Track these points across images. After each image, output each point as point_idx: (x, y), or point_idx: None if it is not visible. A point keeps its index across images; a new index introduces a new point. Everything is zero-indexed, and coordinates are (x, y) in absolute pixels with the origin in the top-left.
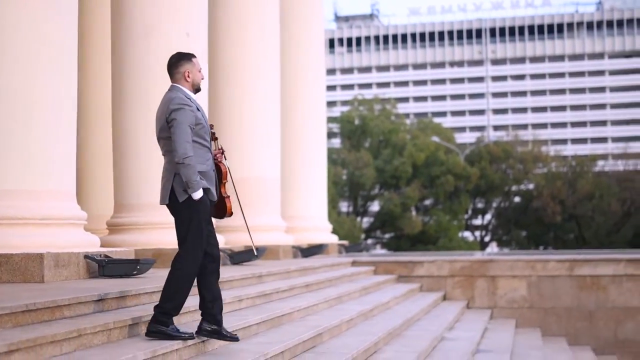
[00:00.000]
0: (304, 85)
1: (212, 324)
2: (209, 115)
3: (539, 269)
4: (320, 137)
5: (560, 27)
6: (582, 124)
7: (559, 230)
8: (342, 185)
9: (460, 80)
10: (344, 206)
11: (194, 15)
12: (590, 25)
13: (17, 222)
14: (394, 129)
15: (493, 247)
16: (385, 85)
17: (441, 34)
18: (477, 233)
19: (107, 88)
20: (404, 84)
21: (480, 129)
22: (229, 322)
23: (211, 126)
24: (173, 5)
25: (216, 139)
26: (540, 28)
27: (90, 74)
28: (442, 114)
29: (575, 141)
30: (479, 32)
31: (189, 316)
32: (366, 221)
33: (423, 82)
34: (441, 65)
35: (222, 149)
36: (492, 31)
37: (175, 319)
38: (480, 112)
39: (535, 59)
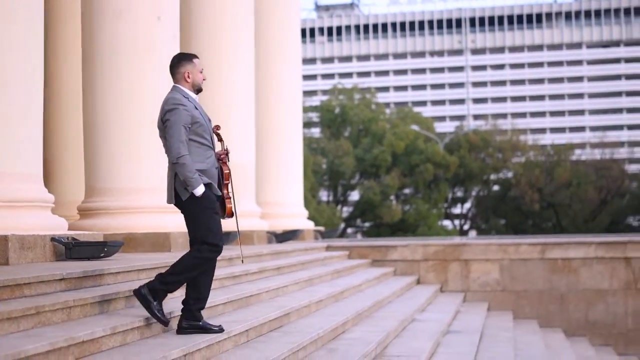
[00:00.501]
0: (280, 70)
1: (191, 320)
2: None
3: (511, 253)
4: (296, 123)
5: (539, 17)
6: (560, 113)
7: (537, 218)
8: (322, 174)
9: (440, 70)
10: (324, 195)
11: None
12: (568, 16)
13: None
14: (373, 117)
15: (472, 236)
16: (366, 74)
17: (421, 23)
18: (457, 222)
19: (77, 72)
20: (385, 73)
21: (460, 118)
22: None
23: (217, 127)
24: None
25: (221, 140)
26: (520, 18)
27: (60, 58)
28: (422, 103)
29: (554, 130)
30: (458, 22)
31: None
32: (346, 210)
33: (403, 72)
34: (421, 54)
35: (227, 150)
36: (472, 21)
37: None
38: (460, 101)
39: (514, 49)
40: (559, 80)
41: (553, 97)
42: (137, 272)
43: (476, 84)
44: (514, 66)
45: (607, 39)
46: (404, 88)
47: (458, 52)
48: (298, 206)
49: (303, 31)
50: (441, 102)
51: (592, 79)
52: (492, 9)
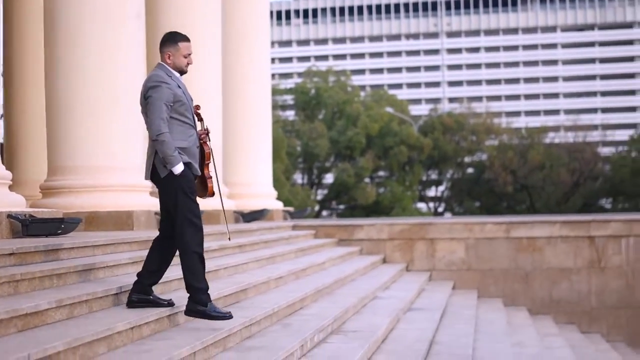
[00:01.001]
0: (248, 50)
1: (140, 293)
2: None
3: (476, 232)
4: (265, 104)
5: (514, 0)
6: (535, 96)
7: (511, 200)
8: (297, 157)
9: (415, 53)
10: (299, 178)
11: None
12: None
13: None
14: (348, 100)
15: (447, 217)
16: (342, 57)
17: (397, 6)
18: (432, 204)
19: (39, 52)
20: (360, 56)
21: (436, 101)
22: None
23: (197, 107)
24: None
25: (201, 120)
26: (495, 1)
27: (24, 38)
28: (398, 85)
29: (529, 113)
30: (434, 5)
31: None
32: (321, 193)
33: (379, 54)
34: (397, 37)
35: (207, 129)
36: (448, 4)
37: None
38: (436, 84)
39: (489, 32)
40: (534, 63)
41: (528, 80)
42: (93, 247)
43: (451, 67)
44: (489, 49)
45: (581, 22)
46: (379, 71)
47: (434, 35)
48: (267, 186)
49: (279, 13)
50: (417, 85)
51: (566, 62)
52: None
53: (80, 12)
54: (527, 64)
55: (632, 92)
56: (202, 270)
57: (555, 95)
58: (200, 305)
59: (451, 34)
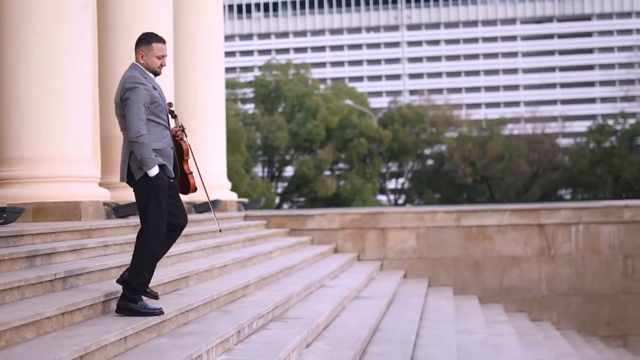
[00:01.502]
0: (201, 38)
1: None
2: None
3: (427, 221)
4: (218, 93)
5: None
6: (495, 88)
7: (471, 192)
8: (257, 149)
9: (376, 46)
10: (260, 171)
11: None
12: None
13: None
14: (307, 92)
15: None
16: (303, 50)
17: None
18: (392, 197)
19: None
20: (321, 49)
21: (397, 93)
22: (89, 266)
23: (170, 104)
24: None
25: (175, 116)
26: None
27: None
28: (359, 78)
29: (489, 105)
30: None
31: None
32: (282, 186)
33: (340, 47)
34: (357, 30)
35: (182, 126)
36: None
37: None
38: (396, 76)
39: (449, 25)
40: (494, 55)
41: (488, 72)
42: (32, 236)
43: (412, 60)
44: (449, 42)
45: (540, 14)
46: (340, 64)
47: (394, 27)
48: (221, 177)
49: (239, 7)
50: (377, 78)
51: (526, 54)
52: None
53: (25, 1)
54: (487, 56)
55: (591, 84)
56: (149, 275)
57: (515, 87)
58: (131, 303)
59: (411, 27)
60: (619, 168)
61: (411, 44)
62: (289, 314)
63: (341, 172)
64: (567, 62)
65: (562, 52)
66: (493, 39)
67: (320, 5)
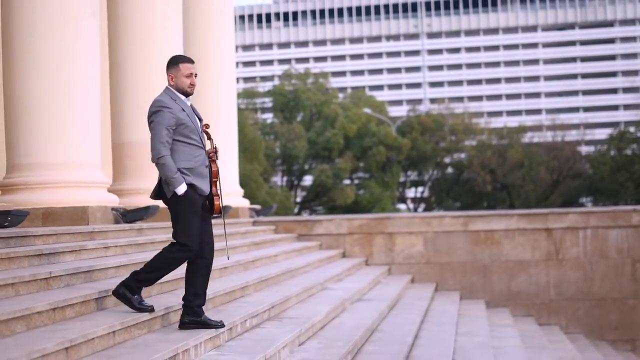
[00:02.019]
0: (212, 46)
1: (191, 315)
2: (113, 78)
3: (434, 225)
4: (230, 97)
5: (494, 0)
6: (516, 96)
7: (491, 200)
8: (275, 158)
9: (396, 54)
10: (278, 180)
11: None
12: None
13: None
14: (326, 101)
15: None
16: (322, 59)
17: (377, 7)
18: (412, 205)
19: None
20: (341, 58)
21: (417, 102)
22: (85, 265)
23: (206, 126)
24: None
25: (210, 138)
26: (475, 1)
27: None
28: (379, 87)
29: (510, 113)
30: (414, 6)
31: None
32: (301, 195)
33: (360, 56)
34: (377, 39)
35: (216, 148)
36: (428, 5)
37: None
38: (417, 85)
39: (470, 32)
40: (515, 63)
41: (509, 80)
42: (33, 237)
43: (432, 68)
44: (470, 49)
45: (562, 21)
46: (360, 72)
47: (414, 36)
48: (233, 185)
49: (259, 16)
50: (398, 87)
51: (547, 61)
52: None
53: (33, 11)
54: (508, 63)
55: (613, 91)
56: (160, 275)
57: (536, 95)
58: (129, 292)
59: (432, 35)
60: None
61: (431, 52)
62: (286, 314)
63: (360, 181)
64: (590, 69)
65: (584, 59)
66: (514, 47)
67: (340, 14)
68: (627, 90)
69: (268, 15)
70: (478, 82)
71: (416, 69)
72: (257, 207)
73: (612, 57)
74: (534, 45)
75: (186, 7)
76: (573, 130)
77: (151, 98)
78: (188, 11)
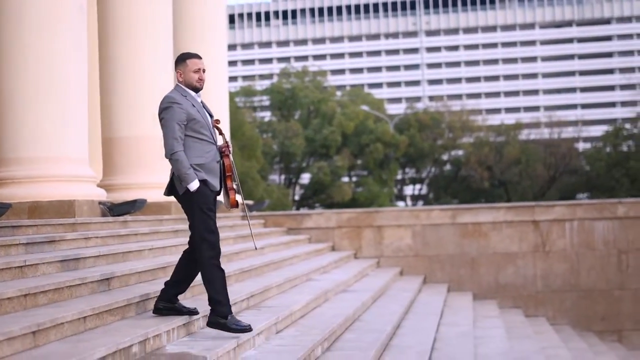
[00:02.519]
0: (203, 43)
1: (167, 301)
2: (103, 74)
3: (423, 218)
4: (221, 94)
5: None
6: (514, 93)
7: (488, 196)
8: (273, 156)
9: (395, 52)
10: (277, 178)
11: None
12: None
13: None
14: (323, 98)
15: None
16: (322, 57)
17: (376, 5)
18: (410, 202)
19: None
20: (340, 56)
21: (416, 99)
22: (62, 254)
23: (217, 121)
24: None
25: (222, 133)
26: None
27: None
28: (378, 85)
29: (509, 110)
30: (413, 4)
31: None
32: (299, 193)
33: (358, 54)
34: (376, 37)
35: (227, 143)
36: (426, 3)
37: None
38: (416, 83)
39: (468, 30)
40: (513, 60)
41: (507, 77)
42: (12, 228)
43: (431, 66)
44: (468, 47)
45: (559, 19)
46: (359, 70)
47: (413, 34)
48: None
49: (258, 15)
50: (397, 84)
51: (545, 59)
52: None
53: (21, 6)
54: (506, 61)
55: (611, 88)
56: (221, 282)
57: (535, 92)
58: (221, 317)
59: (430, 33)
60: (635, 171)
61: (430, 49)
62: (265, 304)
63: (358, 178)
64: (587, 66)
65: (582, 57)
66: (512, 44)
67: (339, 12)
68: (624, 87)
69: (267, 14)
70: (476, 79)
71: (415, 66)
72: (250, 202)
73: (609, 55)
74: (531, 43)
75: (177, 3)
76: (570, 127)
77: (141, 94)
78: (179, 7)
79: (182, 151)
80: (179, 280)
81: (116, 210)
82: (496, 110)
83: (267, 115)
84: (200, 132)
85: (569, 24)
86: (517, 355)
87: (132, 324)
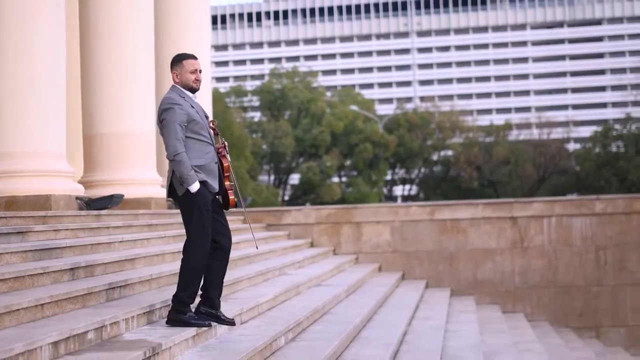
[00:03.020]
0: (185, 38)
1: (209, 307)
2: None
3: (401, 215)
4: (205, 93)
5: None
6: (505, 94)
7: (478, 196)
8: (263, 156)
9: (386, 52)
10: (266, 179)
11: None
12: None
13: None
14: (312, 98)
15: None
16: (313, 57)
17: (367, 6)
18: (400, 202)
19: None
20: (331, 56)
21: (407, 100)
22: (28, 245)
23: (213, 122)
24: None
25: (217, 134)
26: (464, 0)
27: None
28: (369, 85)
29: (500, 111)
30: (404, 5)
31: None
32: (289, 193)
33: (350, 55)
34: (367, 37)
35: (224, 144)
36: (418, 3)
37: None
38: (407, 83)
39: (459, 31)
40: (504, 61)
41: (498, 78)
42: None
43: (422, 66)
44: (460, 48)
45: (550, 19)
46: (350, 71)
47: (404, 34)
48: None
49: (249, 15)
50: (388, 85)
51: (536, 59)
52: None
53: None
54: (498, 62)
55: (602, 89)
56: (193, 284)
57: (526, 93)
58: (181, 314)
59: (421, 33)
60: (624, 171)
61: (421, 50)
62: (233, 296)
63: (347, 178)
64: (578, 67)
65: (573, 57)
66: (503, 45)
67: (330, 12)
68: (615, 87)
69: (258, 14)
70: (468, 80)
71: (406, 67)
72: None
73: (600, 55)
74: (523, 44)
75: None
76: (560, 127)
77: (122, 90)
78: (162, 4)
79: (184, 152)
80: (214, 283)
81: (93, 205)
82: (487, 111)
83: (257, 115)
84: (199, 133)
85: (560, 24)
86: (487, 349)
87: (92, 312)
